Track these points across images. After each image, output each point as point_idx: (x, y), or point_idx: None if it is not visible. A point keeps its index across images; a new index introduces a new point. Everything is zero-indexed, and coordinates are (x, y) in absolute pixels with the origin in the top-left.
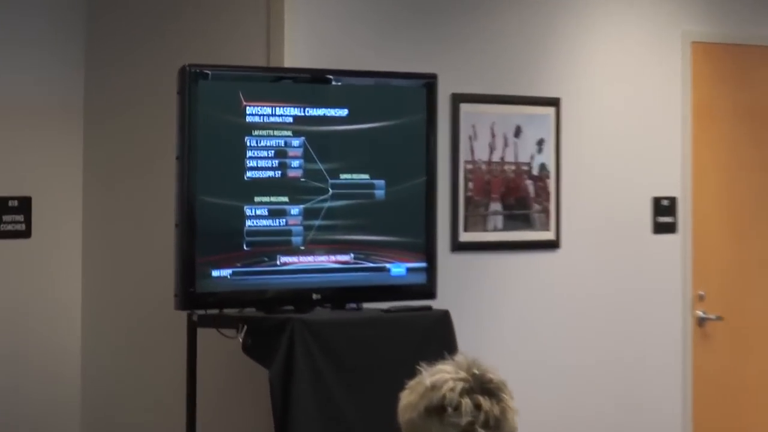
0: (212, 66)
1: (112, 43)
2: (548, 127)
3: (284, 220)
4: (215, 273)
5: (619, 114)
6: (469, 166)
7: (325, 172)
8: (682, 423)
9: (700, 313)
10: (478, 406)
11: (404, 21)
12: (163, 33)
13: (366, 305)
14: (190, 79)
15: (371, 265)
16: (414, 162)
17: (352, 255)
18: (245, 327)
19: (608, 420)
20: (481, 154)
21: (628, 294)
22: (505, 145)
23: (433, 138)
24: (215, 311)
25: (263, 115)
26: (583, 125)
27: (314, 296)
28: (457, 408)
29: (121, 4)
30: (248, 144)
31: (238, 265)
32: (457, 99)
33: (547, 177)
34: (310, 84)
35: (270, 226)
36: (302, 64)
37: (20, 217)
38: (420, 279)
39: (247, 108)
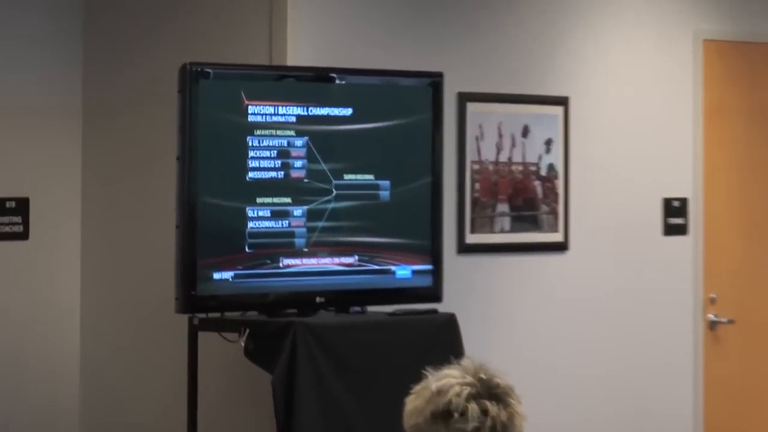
0: (213, 64)
1: (112, 41)
2: (557, 127)
3: (287, 221)
4: (217, 275)
5: (629, 113)
6: (476, 167)
7: (328, 173)
8: (694, 427)
9: (711, 317)
10: (485, 412)
11: (409, 19)
12: (162, 31)
13: (370, 308)
14: (191, 77)
15: (376, 267)
16: (420, 162)
17: (356, 257)
18: (247, 331)
19: (618, 424)
20: (488, 154)
21: (639, 297)
22: (513, 145)
23: (439, 138)
24: (217, 315)
25: (265, 114)
26: (592, 125)
27: (317, 299)
28: (463, 413)
29: (120, 3)
30: (250, 144)
31: (240, 267)
32: (464, 98)
33: (556, 178)
34: (313, 83)
35: (273, 227)
36: (305, 63)
37: (18, 219)
38: (426, 281)
39: (249, 107)
